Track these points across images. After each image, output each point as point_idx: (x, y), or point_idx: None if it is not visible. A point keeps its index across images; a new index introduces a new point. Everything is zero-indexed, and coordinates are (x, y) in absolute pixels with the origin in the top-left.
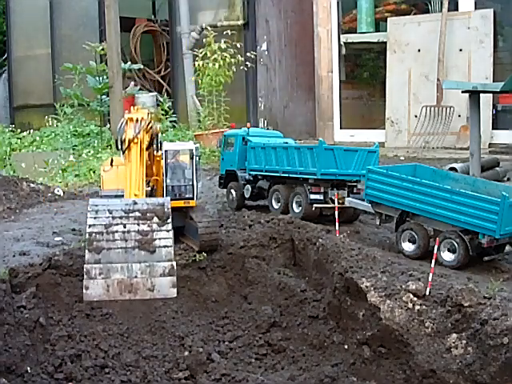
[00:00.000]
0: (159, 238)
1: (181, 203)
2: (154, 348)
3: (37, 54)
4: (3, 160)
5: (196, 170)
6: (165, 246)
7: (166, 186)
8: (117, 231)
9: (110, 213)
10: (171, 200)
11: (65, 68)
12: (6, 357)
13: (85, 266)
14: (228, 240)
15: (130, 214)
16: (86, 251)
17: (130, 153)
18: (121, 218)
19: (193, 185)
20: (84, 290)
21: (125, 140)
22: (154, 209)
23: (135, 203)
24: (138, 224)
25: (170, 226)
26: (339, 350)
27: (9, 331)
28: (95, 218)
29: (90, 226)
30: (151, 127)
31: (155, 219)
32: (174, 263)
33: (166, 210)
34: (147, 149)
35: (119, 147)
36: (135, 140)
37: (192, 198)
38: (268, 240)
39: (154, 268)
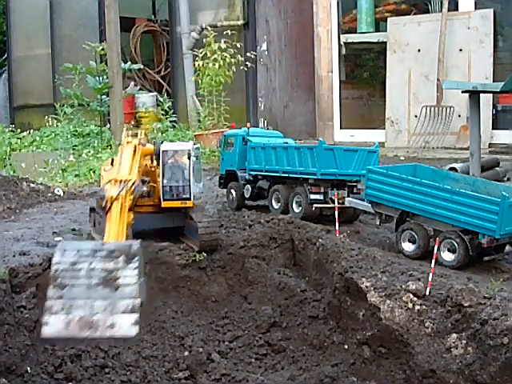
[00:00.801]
0: (124, 276)
1: (178, 204)
2: (154, 348)
3: (37, 53)
4: (3, 160)
5: (193, 170)
6: (128, 284)
7: (163, 186)
8: (82, 268)
9: (78, 251)
10: (168, 200)
11: (65, 68)
12: (6, 357)
13: (46, 302)
14: (228, 240)
15: (97, 253)
16: (50, 287)
17: (111, 210)
18: (87, 256)
19: (190, 185)
20: (43, 326)
21: (107, 200)
22: (122, 248)
23: (103, 244)
24: (104, 262)
25: (136, 265)
26: (339, 349)
27: (9, 331)
28: (62, 255)
29: (55, 263)
30: (136, 187)
31: (121, 258)
32: (139, 300)
33: (133, 249)
34: (130, 210)
35: (102, 209)
36: (117, 198)
37: (189, 199)
38: (268, 240)
39: (116, 305)
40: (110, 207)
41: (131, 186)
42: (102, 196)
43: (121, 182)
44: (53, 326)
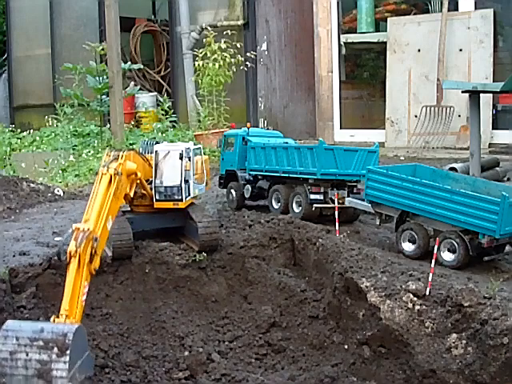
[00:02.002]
0: (56, 369)
1: (170, 205)
2: (154, 348)
3: (37, 53)
4: (3, 160)
5: (193, 170)
6: (61, 377)
7: (155, 187)
8: (20, 359)
9: (17, 340)
10: (161, 201)
11: (65, 68)
12: None
13: None
14: (228, 240)
15: (34, 343)
16: None
17: (69, 266)
18: (25, 345)
19: (181, 186)
20: None
21: (67, 254)
22: (57, 339)
23: (42, 330)
24: (40, 353)
25: (67, 358)
26: (339, 349)
27: None
28: (3, 344)
29: None
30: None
31: (55, 350)
32: None
33: (66, 341)
34: (90, 261)
35: (60, 258)
36: (74, 254)
37: (181, 200)
38: (268, 240)
39: None
40: (69, 260)
41: (90, 237)
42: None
43: (83, 230)
44: None
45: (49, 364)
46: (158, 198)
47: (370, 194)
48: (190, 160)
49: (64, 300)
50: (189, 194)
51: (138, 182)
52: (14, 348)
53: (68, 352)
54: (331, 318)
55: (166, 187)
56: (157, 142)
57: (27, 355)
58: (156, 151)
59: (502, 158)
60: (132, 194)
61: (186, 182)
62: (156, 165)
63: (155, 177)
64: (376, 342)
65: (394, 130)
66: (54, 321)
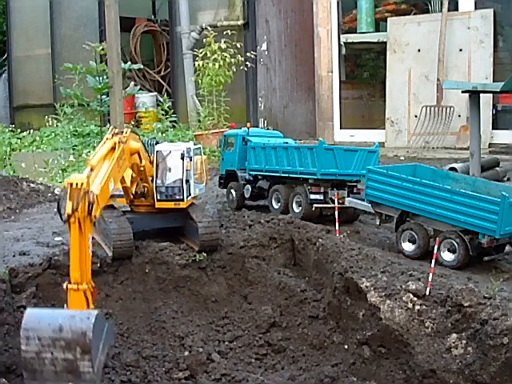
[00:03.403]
0: (83, 365)
1: (171, 205)
2: (154, 348)
3: (37, 53)
4: (3, 160)
5: (193, 170)
6: (88, 372)
7: (156, 187)
8: (46, 358)
9: (39, 340)
10: (162, 201)
11: (65, 68)
12: (6, 357)
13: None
14: (228, 240)
15: (56, 343)
16: (24, 371)
17: (70, 229)
18: (48, 346)
19: (183, 186)
20: None
21: (65, 215)
22: (78, 339)
23: (61, 330)
24: (64, 353)
25: (90, 356)
26: (339, 349)
27: (9, 331)
28: (26, 344)
29: (23, 351)
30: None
31: (78, 349)
32: (98, 382)
33: (87, 341)
34: (89, 213)
35: (61, 217)
36: (72, 219)
37: (182, 200)
38: (268, 240)
39: None
40: (67, 221)
41: (84, 194)
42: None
43: (76, 186)
44: None
45: (74, 362)
46: (159, 197)
47: (370, 193)
48: (190, 160)
49: (72, 267)
50: (189, 194)
51: (142, 169)
52: (39, 348)
53: (90, 350)
54: (331, 318)
55: (167, 187)
56: (157, 142)
57: (52, 354)
58: (157, 151)
59: (502, 158)
60: (134, 190)
61: (187, 181)
62: (157, 165)
63: (156, 177)
64: (376, 342)
65: (393, 130)
66: (66, 288)
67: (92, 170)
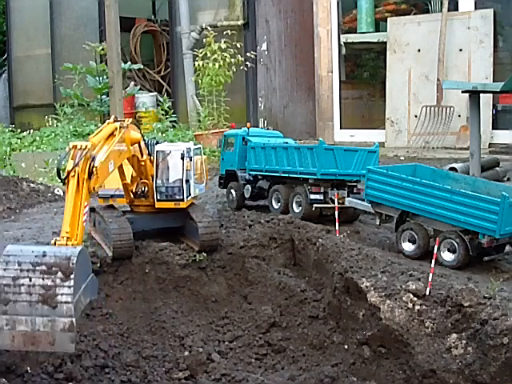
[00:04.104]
0: (61, 294)
1: (171, 205)
2: (154, 348)
3: (37, 53)
4: (3, 160)
5: (193, 170)
6: (66, 302)
7: (157, 187)
8: (23, 284)
9: (19, 265)
10: (162, 201)
11: (65, 68)
12: (6, 357)
13: None
14: (228, 240)
15: (37, 268)
16: None
17: (68, 185)
18: (28, 271)
19: (183, 186)
20: None
21: (64, 170)
22: (60, 263)
23: (44, 254)
24: (43, 278)
25: (72, 282)
26: (339, 349)
27: None
28: (4, 269)
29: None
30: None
31: (59, 274)
32: (74, 320)
33: (70, 265)
34: (89, 177)
35: (60, 177)
36: (72, 173)
37: (182, 200)
38: (268, 240)
39: (55, 323)
40: (66, 178)
41: (87, 154)
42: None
43: (80, 148)
44: (0, 340)
45: (53, 289)
46: (159, 197)
47: (370, 193)
48: (190, 160)
49: (64, 222)
50: (189, 194)
51: (143, 164)
52: (17, 274)
53: (72, 276)
54: (331, 318)
55: (167, 187)
56: (157, 142)
57: (30, 280)
58: (157, 151)
59: (502, 158)
60: (134, 190)
61: (187, 181)
62: (157, 165)
63: (156, 176)
64: (376, 342)
65: (394, 130)
66: (55, 244)
67: (93, 146)
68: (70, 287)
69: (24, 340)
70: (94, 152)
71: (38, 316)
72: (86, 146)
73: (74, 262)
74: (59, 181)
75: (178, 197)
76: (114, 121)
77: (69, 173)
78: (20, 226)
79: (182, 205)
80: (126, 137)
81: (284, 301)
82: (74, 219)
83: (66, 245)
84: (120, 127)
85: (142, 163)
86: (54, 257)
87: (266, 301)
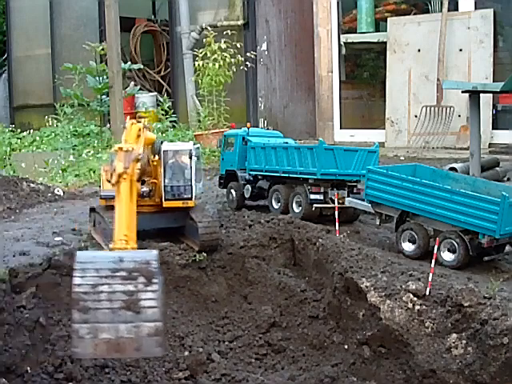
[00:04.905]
0: (145, 299)
1: (179, 203)
2: None
3: (37, 53)
4: (3, 160)
5: (196, 170)
6: (150, 307)
7: (165, 186)
8: (103, 291)
9: (97, 271)
10: (170, 200)
11: (65, 68)
12: (6, 357)
13: (72, 325)
14: (228, 240)
15: (116, 274)
16: (73, 311)
17: (120, 188)
18: (107, 277)
19: (191, 185)
20: (73, 349)
21: (114, 173)
22: (140, 268)
23: (121, 260)
24: (124, 284)
25: (155, 286)
26: (339, 349)
27: (9, 331)
28: (82, 277)
29: (76, 285)
30: (141, 158)
31: (141, 279)
32: (161, 323)
33: (152, 269)
34: (138, 180)
35: (110, 180)
36: (124, 176)
37: (190, 199)
38: (268, 240)
39: (140, 328)
40: (118, 181)
41: (136, 157)
42: (111, 163)
43: (127, 151)
44: (82, 349)
45: (136, 294)
46: (167, 197)
47: (370, 193)
48: (198, 159)
49: (120, 225)
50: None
51: (155, 163)
52: (95, 281)
53: (156, 280)
54: (331, 318)
55: (175, 186)
56: (162, 142)
57: (110, 287)
58: (165, 151)
59: (502, 158)
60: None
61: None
62: (165, 164)
63: (164, 176)
64: (376, 342)
65: (394, 130)
66: (113, 247)
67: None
68: (154, 291)
69: (107, 348)
70: (138, 154)
71: (122, 322)
72: (133, 149)
73: (155, 265)
74: (108, 183)
75: (186, 196)
76: (137, 121)
77: (119, 175)
78: (20, 225)
79: (190, 204)
80: (145, 137)
81: (284, 301)
82: (131, 221)
83: (126, 248)
84: (144, 127)
85: (154, 163)
86: (133, 262)
87: (266, 301)
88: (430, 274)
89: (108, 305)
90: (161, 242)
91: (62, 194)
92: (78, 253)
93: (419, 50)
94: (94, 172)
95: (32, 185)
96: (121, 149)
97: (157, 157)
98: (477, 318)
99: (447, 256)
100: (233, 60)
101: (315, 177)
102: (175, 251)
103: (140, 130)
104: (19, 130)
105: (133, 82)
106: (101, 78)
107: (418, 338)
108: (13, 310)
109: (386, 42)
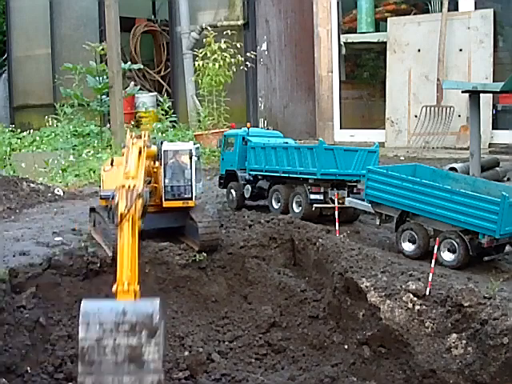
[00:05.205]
0: (148, 352)
1: (179, 203)
2: None
3: (37, 53)
4: (3, 160)
5: (196, 170)
6: (153, 360)
7: (165, 186)
8: (107, 345)
9: (101, 325)
10: (170, 200)
11: (65, 68)
12: (6, 357)
13: (78, 377)
14: (228, 240)
15: (120, 327)
16: (79, 363)
17: (123, 228)
18: (111, 331)
19: (191, 185)
20: None
21: (117, 212)
22: (143, 322)
23: (125, 313)
24: (127, 338)
25: (157, 340)
26: (339, 349)
27: (9, 331)
28: (86, 331)
29: (81, 339)
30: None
31: (144, 333)
32: (162, 375)
33: (153, 324)
34: (141, 217)
35: (113, 219)
36: (127, 216)
37: (190, 199)
38: (268, 240)
39: (143, 381)
40: (121, 221)
41: (139, 195)
42: (109, 198)
43: (128, 188)
44: None
45: (139, 348)
46: (167, 197)
47: (370, 193)
48: (198, 159)
49: (123, 266)
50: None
51: (156, 170)
52: (100, 334)
53: (158, 334)
54: (331, 318)
55: (175, 186)
56: (161, 142)
57: (115, 341)
58: (165, 151)
59: (502, 158)
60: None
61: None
62: (165, 164)
63: (164, 176)
64: (376, 342)
65: (394, 130)
66: (116, 290)
67: (133, 178)
68: (156, 345)
69: None
70: (140, 189)
71: (126, 375)
72: (135, 186)
73: (157, 319)
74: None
75: (186, 196)
76: (137, 140)
77: (122, 216)
78: (20, 225)
79: (191, 204)
80: (147, 154)
81: (284, 301)
82: (133, 262)
83: (128, 290)
84: (144, 146)
85: (155, 170)
86: (136, 315)
87: (266, 301)
88: (430, 274)
89: (112, 358)
90: (161, 242)
91: (62, 193)
92: (83, 302)
93: (419, 50)
94: (94, 172)
95: (32, 185)
96: (123, 186)
97: (157, 163)
98: (477, 318)
99: (447, 256)
100: (233, 60)
101: (315, 177)
102: (175, 251)
103: (141, 149)
104: (19, 130)
105: (133, 82)
106: (101, 78)
107: (418, 338)
108: (13, 310)
109: (385, 42)
